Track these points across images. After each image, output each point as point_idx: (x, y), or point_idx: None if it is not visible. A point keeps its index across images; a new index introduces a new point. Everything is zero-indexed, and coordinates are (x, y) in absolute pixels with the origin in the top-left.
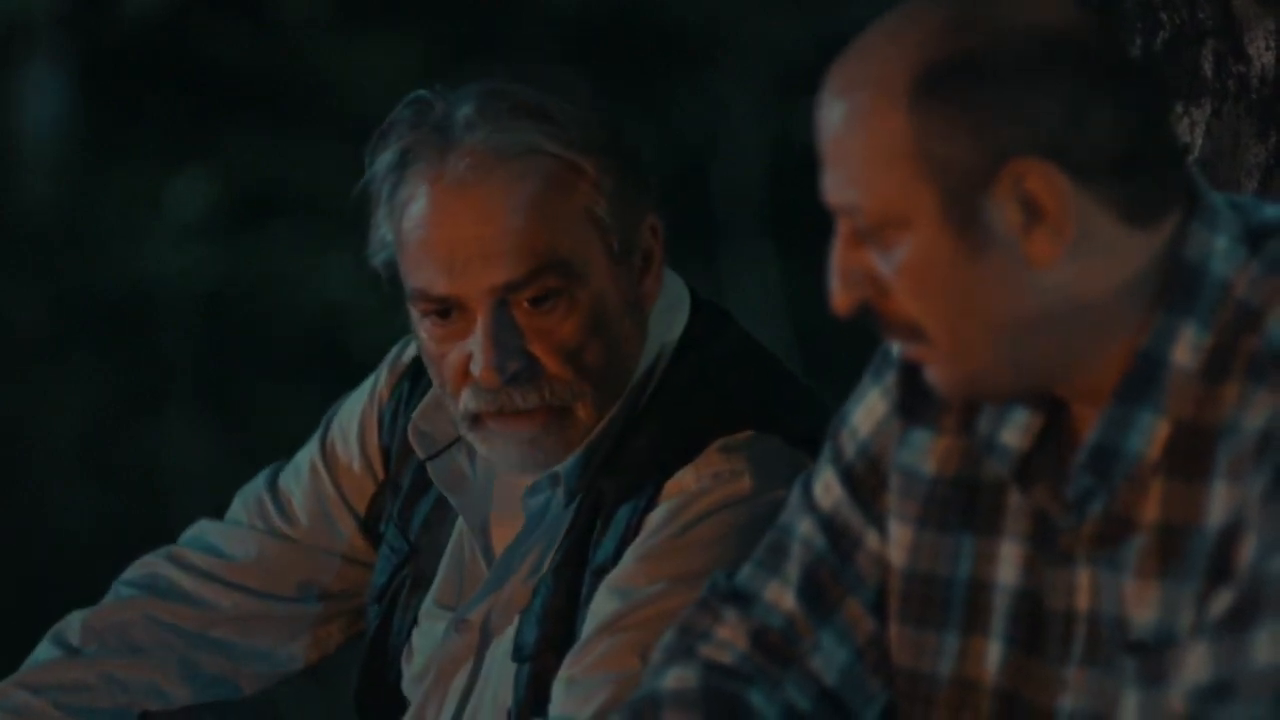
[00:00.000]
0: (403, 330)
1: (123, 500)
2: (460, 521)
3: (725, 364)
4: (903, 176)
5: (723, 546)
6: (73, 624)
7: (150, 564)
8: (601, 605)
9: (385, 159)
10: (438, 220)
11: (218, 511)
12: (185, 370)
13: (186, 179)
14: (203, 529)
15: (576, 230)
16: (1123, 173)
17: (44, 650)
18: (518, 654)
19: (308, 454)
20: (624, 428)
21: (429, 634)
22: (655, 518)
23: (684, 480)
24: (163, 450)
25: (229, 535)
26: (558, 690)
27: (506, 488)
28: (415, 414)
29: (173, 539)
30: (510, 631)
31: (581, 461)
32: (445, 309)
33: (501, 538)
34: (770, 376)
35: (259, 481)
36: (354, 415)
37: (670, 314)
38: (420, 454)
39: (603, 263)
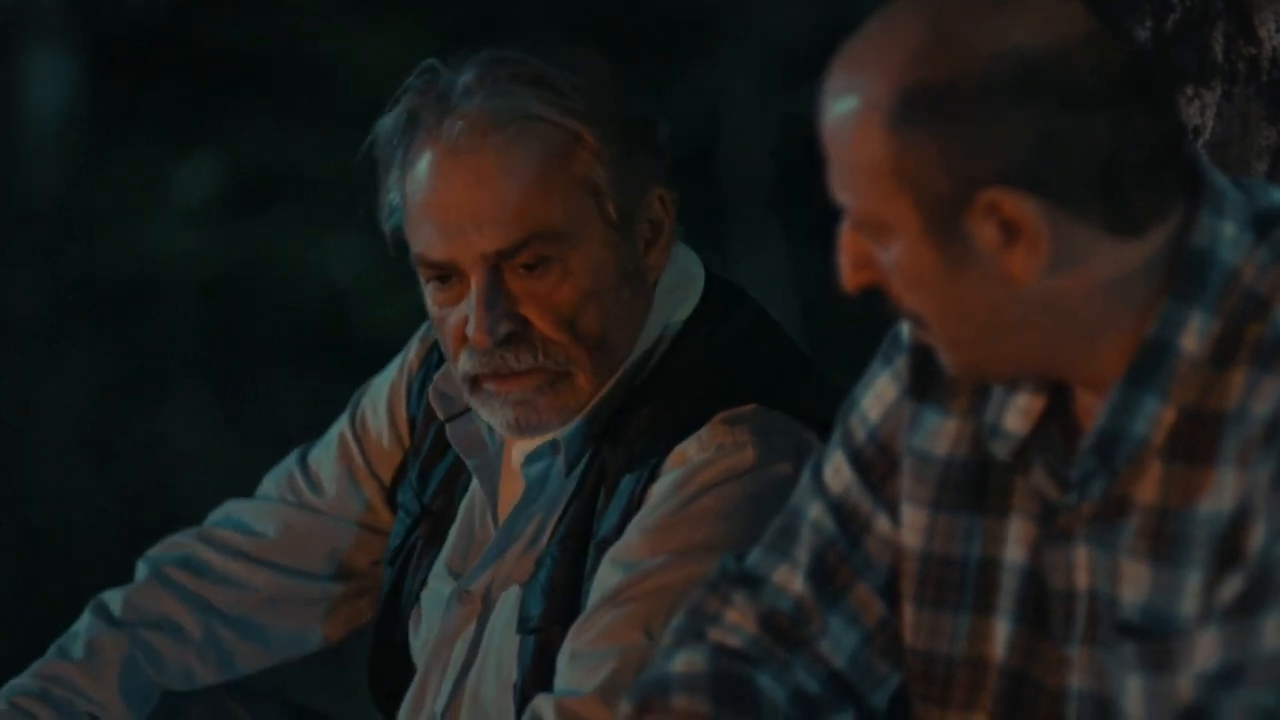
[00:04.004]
0: (407, 314)
1: (126, 483)
2: (474, 485)
3: (734, 340)
4: (884, 190)
5: (726, 519)
6: (114, 599)
7: (180, 543)
8: (605, 578)
9: (391, 124)
10: (435, 184)
11: (221, 494)
12: (189, 354)
13: (191, 163)
14: (231, 509)
15: (571, 198)
16: (1105, 188)
17: (86, 624)
18: (523, 626)
19: (338, 427)
20: (628, 399)
21: (436, 596)
22: (659, 489)
23: (688, 451)
24: (167, 434)
25: (258, 512)
26: (562, 663)
27: (520, 454)
28: (437, 376)
29: (176, 522)
30: (511, 602)
31: (582, 430)
32: (444, 273)
33: (509, 504)
34: (779, 354)
35: (290, 459)
36: (384, 387)
37: (680, 289)
38: (440, 414)
39: (599, 231)
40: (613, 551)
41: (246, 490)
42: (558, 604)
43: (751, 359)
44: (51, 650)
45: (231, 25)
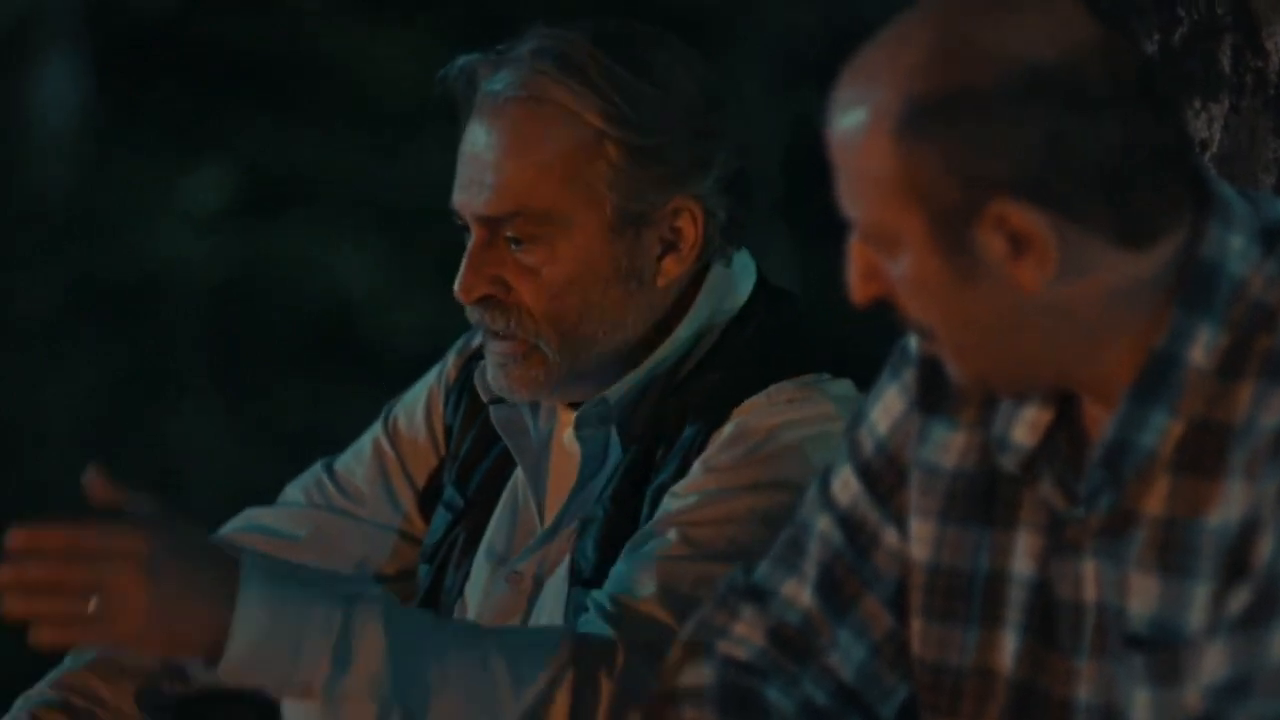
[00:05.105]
0: (412, 318)
1: (130, 485)
2: (515, 475)
3: (792, 322)
4: (892, 202)
5: (794, 461)
6: None
7: None
8: (667, 505)
9: (454, 76)
10: (466, 135)
11: (225, 497)
12: (194, 357)
13: (197, 167)
14: (253, 515)
15: (570, 188)
16: (1113, 198)
17: None
18: (575, 577)
19: (370, 436)
20: (688, 376)
21: (479, 585)
22: (724, 434)
23: (756, 402)
24: (171, 436)
25: (283, 516)
26: (616, 569)
27: (564, 437)
28: (481, 362)
29: None
30: (562, 570)
31: (632, 403)
32: (465, 223)
33: (556, 487)
34: (835, 336)
35: (315, 468)
36: (420, 396)
37: (726, 285)
38: (484, 396)
39: (593, 227)
40: (676, 487)
41: (250, 493)
42: (612, 553)
43: (809, 337)
44: (68, 659)
45: (238, 29)
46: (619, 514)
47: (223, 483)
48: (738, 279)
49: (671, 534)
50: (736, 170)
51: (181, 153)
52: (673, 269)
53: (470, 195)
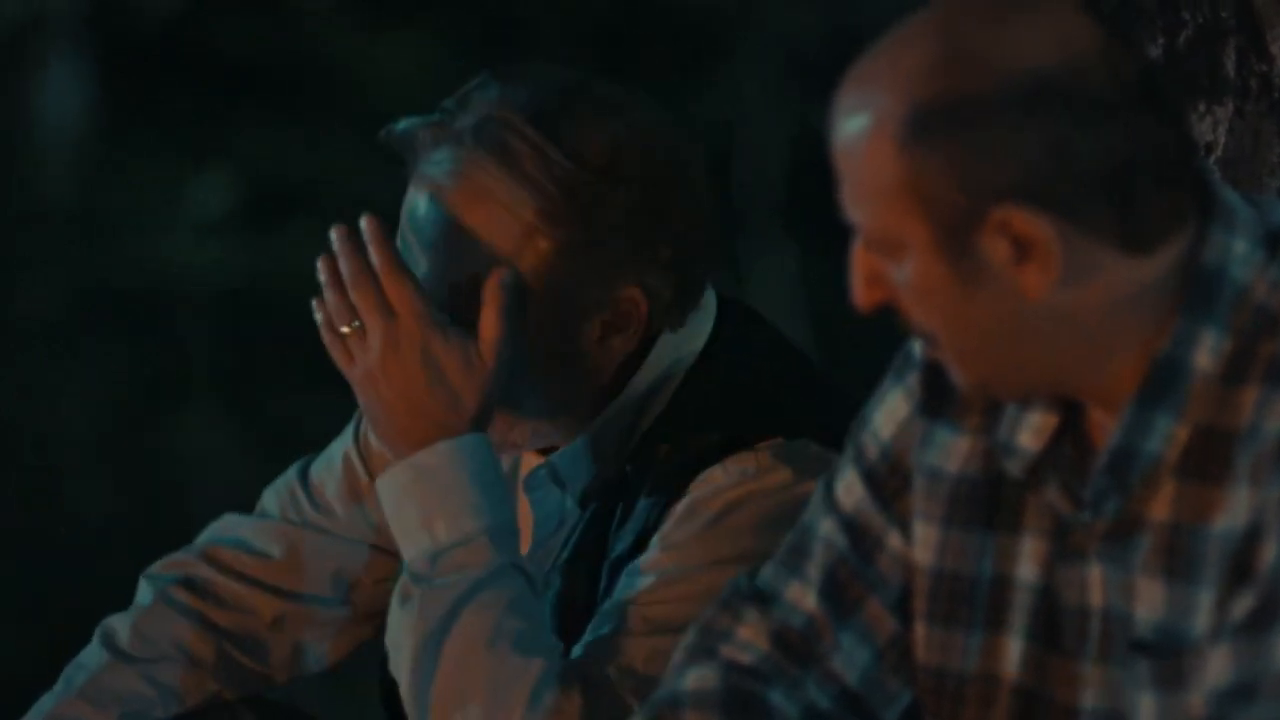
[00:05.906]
0: None
1: (139, 495)
2: None
3: (752, 369)
4: (895, 208)
5: (755, 534)
6: (121, 629)
7: (184, 563)
8: (626, 586)
9: (406, 137)
10: (407, 202)
11: (234, 506)
12: (203, 366)
13: (206, 174)
14: (231, 524)
15: (491, 275)
16: (1116, 203)
17: (96, 656)
18: None
19: (341, 445)
20: (645, 435)
21: None
22: (681, 508)
23: (712, 475)
24: (180, 445)
25: (261, 531)
26: (573, 652)
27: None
28: None
29: (190, 534)
30: None
31: (587, 463)
32: None
33: (522, 526)
34: (799, 379)
35: (290, 475)
36: None
37: (676, 342)
38: None
39: (525, 318)
40: (633, 565)
41: (251, 498)
42: (569, 623)
43: (772, 387)
44: (60, 684)
45: (247, 35)
46: (574, 582)
47: (233, 490)
48: (692, 324)
49: (630, 614)
50: (685, 247)
51: (192, 161)
52: (616, 349)
53: (411, 263)
